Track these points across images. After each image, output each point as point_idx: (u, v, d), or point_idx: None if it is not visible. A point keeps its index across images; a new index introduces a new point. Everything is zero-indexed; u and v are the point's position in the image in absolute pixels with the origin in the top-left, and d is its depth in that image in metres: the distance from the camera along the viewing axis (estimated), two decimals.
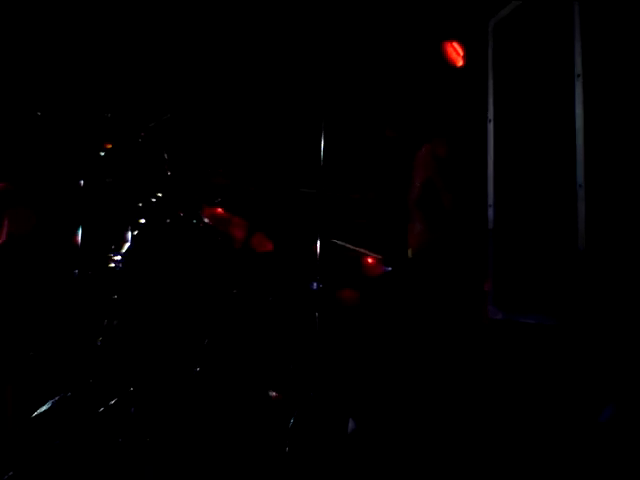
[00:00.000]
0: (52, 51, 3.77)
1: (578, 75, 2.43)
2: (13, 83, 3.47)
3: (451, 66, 3.46)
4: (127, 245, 3.26)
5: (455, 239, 3.49)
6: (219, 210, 3.52)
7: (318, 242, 3.18)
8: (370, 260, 3.70)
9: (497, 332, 2.92)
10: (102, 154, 3.21)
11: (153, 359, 3.20)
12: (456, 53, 3.46)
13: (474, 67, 3.31)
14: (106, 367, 3.18)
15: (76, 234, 3.17)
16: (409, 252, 3.59)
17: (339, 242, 3.64)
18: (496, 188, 3.00)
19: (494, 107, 2.97)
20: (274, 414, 3.05)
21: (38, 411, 2.86)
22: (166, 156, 3.33)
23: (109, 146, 3.21)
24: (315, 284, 3.19)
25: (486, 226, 3.05)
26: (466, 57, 3.44)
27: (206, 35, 4.11)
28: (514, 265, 2.85)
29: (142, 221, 3.30)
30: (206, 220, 3.42)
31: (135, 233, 3.24)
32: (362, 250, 3.68)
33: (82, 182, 3.21)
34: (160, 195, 3.30)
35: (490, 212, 3.03)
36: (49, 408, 2.90)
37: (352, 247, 3.67)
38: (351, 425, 3.13)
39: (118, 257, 3.24)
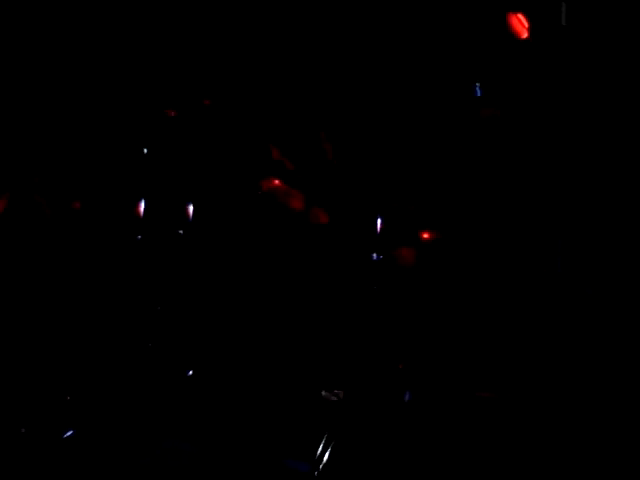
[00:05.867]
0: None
1: None
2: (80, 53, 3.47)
3: (515, 38, 3.39)
4: (189, 215, 3.28)
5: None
6: (276, 182, 3.52)
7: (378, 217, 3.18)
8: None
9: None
10: (166, 123, 3.22)
11: (211, 330, 3.23)
12: (521, 25, 3.40)
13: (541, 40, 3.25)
14: (165, 335, 3.22)
15: (139, 204, 3.20)
16: None
17: None
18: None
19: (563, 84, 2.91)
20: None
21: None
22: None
23: (173, 114, 3.22)
24: (375, 255, 3.20)
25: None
26: (531, 29, 3.37)
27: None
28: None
29: (203, 190, 3.31)
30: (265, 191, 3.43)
31: (196, 202, 3.26)
32: None
33: (145, 150, 3.22)
34: (221, 166, 3.31)
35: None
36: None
37: None
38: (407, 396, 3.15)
39: (180, 226, 3.27)
